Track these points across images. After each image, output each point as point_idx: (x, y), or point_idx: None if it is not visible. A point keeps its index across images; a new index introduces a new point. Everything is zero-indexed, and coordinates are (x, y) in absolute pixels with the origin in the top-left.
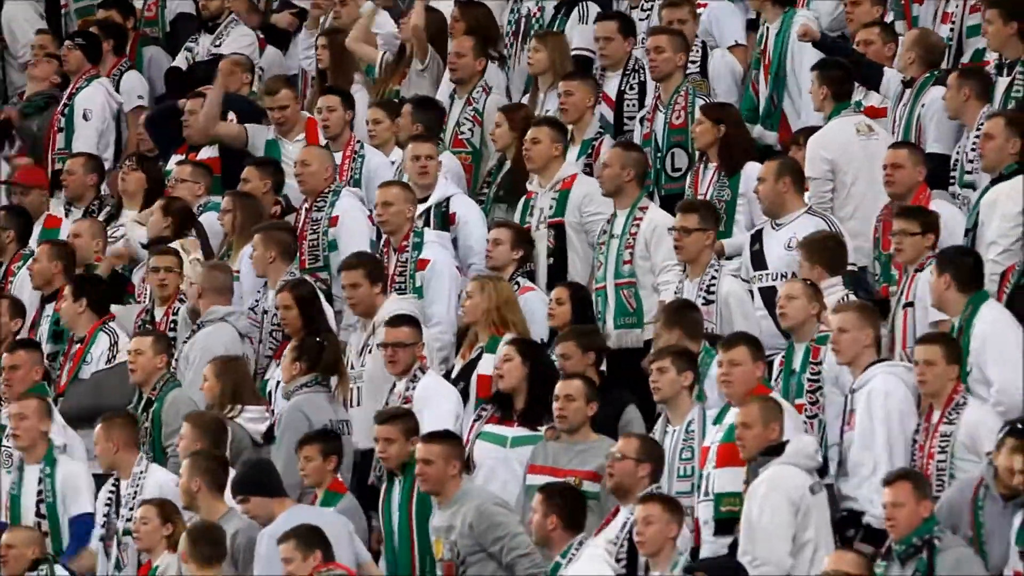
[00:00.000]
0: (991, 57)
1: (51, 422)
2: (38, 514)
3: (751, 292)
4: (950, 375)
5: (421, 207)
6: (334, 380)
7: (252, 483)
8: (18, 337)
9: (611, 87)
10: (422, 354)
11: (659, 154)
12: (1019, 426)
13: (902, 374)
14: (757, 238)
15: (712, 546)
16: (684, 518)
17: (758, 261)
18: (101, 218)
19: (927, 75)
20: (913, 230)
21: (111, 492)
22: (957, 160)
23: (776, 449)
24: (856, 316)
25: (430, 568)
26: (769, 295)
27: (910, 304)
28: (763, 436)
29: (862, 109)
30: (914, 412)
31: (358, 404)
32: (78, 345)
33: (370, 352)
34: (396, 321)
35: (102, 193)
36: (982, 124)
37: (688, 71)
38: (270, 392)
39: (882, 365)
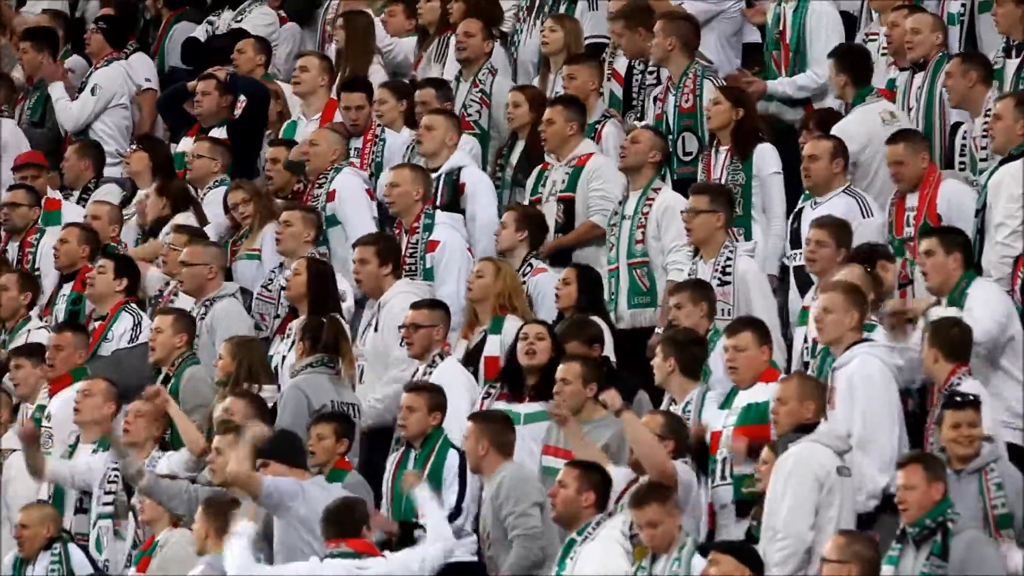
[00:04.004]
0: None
1: (116, 407)
2: (83, 493)
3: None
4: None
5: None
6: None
7: (274, 449)
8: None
9: (621, 64)
10: (445, 341)
11: (671, 137)
12: (956, 398)
13: (882, 354)
14: (797, 217)
15: (734, 529)
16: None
17: (795, 239)
18: (117, 201)
19: (940, 54)
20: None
21: (116, 471)
22: (964, 145)
23: (808, 428)
24: (843, 298)
25: None
26: (802, 274)
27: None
28: (797, 413)
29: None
30: (895, 391)
31: (361, 382)
32: (98, 323)
33: (374, 331)
34: (418, 304)
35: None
36: (990, 108)
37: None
38: (276, 367)
39: (863, 345)
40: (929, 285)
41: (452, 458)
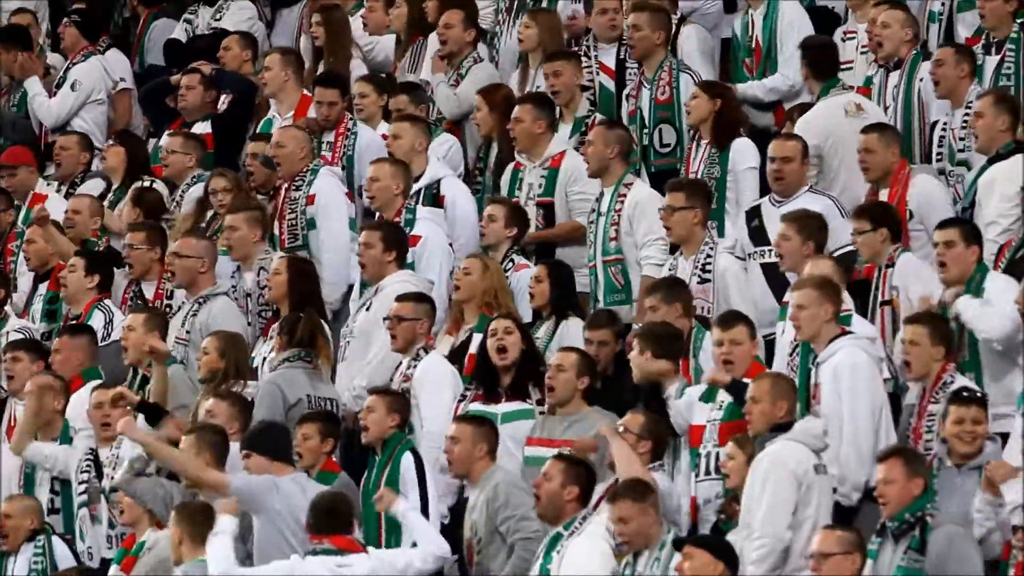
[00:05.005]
0: None
1: (64, 400)
2: (52, 491)
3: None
4: (935, 356)
5: (414, 187)
6: None
7: (257, 441)
8: (69, 323)
9: (607, 57)
10: (429, 335)
11: (646, 131)
12: (963, 394)
13: (866, 346)
14: (755, 214)
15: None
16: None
17: (759, 237)
18: (95, 194)
19: (916, 52)
20: (864, 228)
21: (88, 460)
22: (944, 136)
23: (783, 428)
24: (816, 293)
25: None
26: (771, 271)
27: (887, 303)
28: (770, 412)
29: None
30: (880, 383)
31: (344, 359)
32: (73, 322)
33: (367, 310)
34: (403, 296)
35: (92, 170)
36: (970, 103)
37: None
38: (257, 368)
39: (846, 338)
40: (947, 277)
41: (407, 461)
